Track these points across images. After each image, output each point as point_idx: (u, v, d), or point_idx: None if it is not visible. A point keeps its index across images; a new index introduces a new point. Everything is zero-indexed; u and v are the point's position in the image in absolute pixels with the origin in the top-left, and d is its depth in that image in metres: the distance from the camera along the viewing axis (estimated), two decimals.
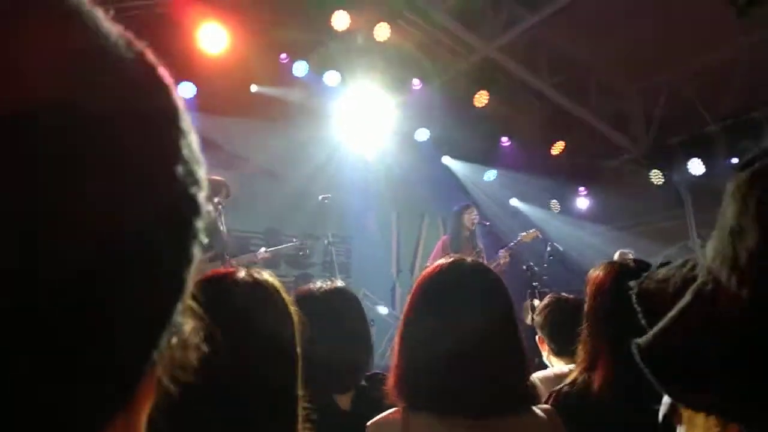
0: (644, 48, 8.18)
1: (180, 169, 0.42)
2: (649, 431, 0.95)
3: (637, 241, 8.99)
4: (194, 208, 0.43)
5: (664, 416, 0.84)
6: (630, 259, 2.38)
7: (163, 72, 0.44)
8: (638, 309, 0.73)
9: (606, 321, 2.23)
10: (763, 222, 0.59)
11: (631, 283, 0.78)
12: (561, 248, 8.61)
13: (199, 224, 0.44)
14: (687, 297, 0.65)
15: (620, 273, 2.27)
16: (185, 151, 0.43)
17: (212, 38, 7.36)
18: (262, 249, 6.66)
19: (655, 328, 0.67)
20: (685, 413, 0.70)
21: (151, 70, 0.43)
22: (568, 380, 2.32)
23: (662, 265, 0.77)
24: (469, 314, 1.84)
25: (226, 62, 7.48)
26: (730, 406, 0.58)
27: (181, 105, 0.45)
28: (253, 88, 8.68)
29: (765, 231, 0.59)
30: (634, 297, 0.76)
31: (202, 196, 0.44)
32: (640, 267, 2.29)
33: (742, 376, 0.57)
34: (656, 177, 9.05)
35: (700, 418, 0.66)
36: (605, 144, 9.99)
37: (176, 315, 0.44)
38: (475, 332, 1.80)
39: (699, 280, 0.65)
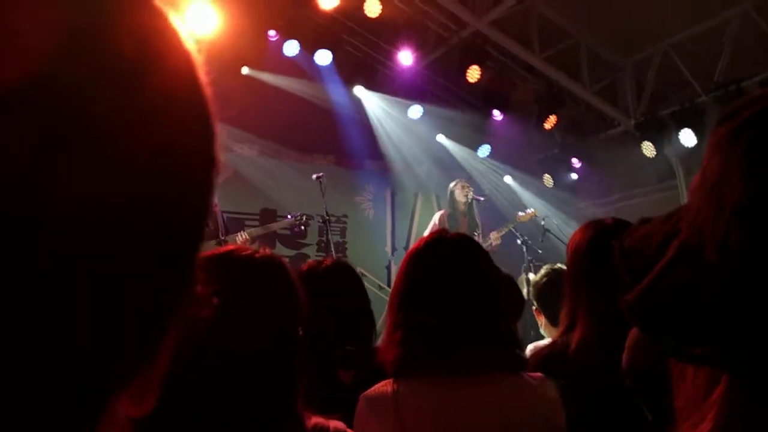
0: (634, 19, 8.17)
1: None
2: (625, 389, 0.97)
3: (630, 213, 8.98)
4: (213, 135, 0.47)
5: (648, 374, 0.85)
6: (607, 217, 2.37)
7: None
8: (621, 267, 0.73)
9: (585, 280, 2.22)
10: (747, 169, 0.59)
11: (614, 242, 0.77)
12: (555, 222, 8.65)
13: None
14: (672, 251, 0.65)
15: (597, 232, 2.27)
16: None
17: (202, 18, 6.97)
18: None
19: (643, 284, 0.66)
20: (676, 368, 0.70)
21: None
22: (547, 341, 2.33)
23: (643, 222, 0.76)
24: (453, 281, 1.96)
25: (216, 43, 7.21)
26: (724, 355, 0.58)
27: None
28: (245, 70, 8.62)
29: (749, 178, 0.58)
30: (616, 254, 0.75)
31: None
32: (617, 224, 2.28)
33: (735, 324, 0.57)
34: (648, 149, 9.05)
35: (689, 371, 0.66)
36: (597, 117, 9.99)
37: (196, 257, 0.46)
38: (459, 297, 1.93)
39: (684, 234, 0.65)
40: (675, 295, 0.63)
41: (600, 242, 2.20)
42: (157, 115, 0.40)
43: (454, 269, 1.99)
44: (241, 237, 6.56)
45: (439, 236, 2.12)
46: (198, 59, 0.46)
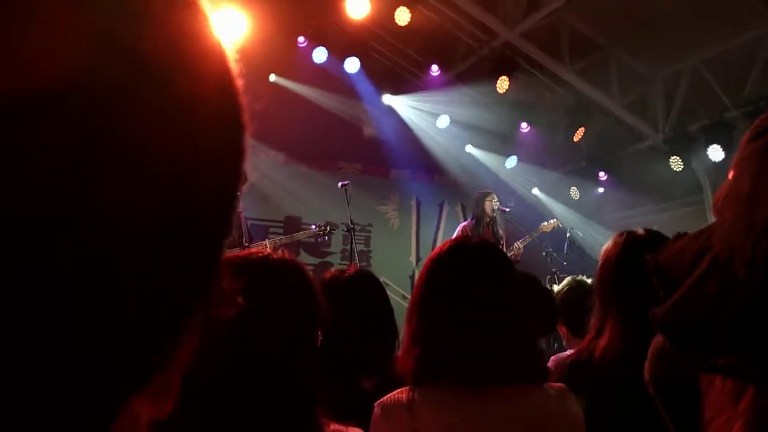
0: (665, 33, 8.12)
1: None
2: (649, 399, 0.96)
3: (655, 227, 8.90)
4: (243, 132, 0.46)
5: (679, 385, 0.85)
6: (640, 228, 2.37)
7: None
8: (655, 280, 0.73)
9: (613, 289, 2.20)
10: None
11: (647, 257, 0.77)
12: (581, 234, 8.59)
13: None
14: (704, 265, 0.65)
15: (628, 242, 2.26)
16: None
17: (231, 24, 6.92)
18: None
19: (673, 297, 0.67)
20: (704, 380, 0.71)
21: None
22: (569, 353, 2.30)
23: (677, 237, 0.77)
24: (476, 287, 1.90)
25: (244, 50, 7.05)
26: (750, 367, 0.58)
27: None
28: (272, 77, 8.65)
29: None
30: (650, 268, 0.75)
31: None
32: (649, 236, 2.28)
33: (760, 337, 0.57)
34: (676, 163, 8.98)
35: (717, 382, 0.66)
36: (626, 130, 9.93)
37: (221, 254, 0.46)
38: (482, 305, 1.87)
39: (715, 249, 0.65)
40: (704, 308, 0.63)
41: (631, 252, 2.20)
42: (187, 119, 0.39)
43: (477, 275, 1.93)
44: (266, 245, 6.57)
45: (464, 241, 2.09)
46: (232, 61, 0.46)
